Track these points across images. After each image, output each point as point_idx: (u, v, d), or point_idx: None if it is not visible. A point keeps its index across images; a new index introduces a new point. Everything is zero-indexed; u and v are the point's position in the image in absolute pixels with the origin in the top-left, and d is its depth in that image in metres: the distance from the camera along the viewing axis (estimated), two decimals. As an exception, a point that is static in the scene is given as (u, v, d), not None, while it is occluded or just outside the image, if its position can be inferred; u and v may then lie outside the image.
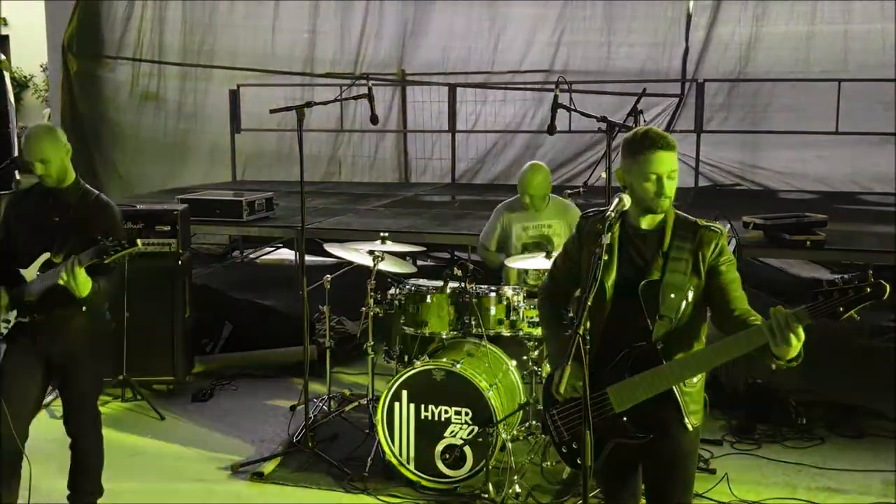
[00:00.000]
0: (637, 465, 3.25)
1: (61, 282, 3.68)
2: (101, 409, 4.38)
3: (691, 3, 9.34)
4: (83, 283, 3.71)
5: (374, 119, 5.00)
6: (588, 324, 2.92)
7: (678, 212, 3.12)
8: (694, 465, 3.22)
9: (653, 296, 3.00)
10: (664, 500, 3.17)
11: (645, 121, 5.20)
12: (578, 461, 3.11)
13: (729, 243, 3.54)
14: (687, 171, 8.71)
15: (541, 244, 5.23)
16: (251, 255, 10.46)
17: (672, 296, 2.99)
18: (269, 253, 10.44)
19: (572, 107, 4.76)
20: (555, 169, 7.86)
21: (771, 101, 9.31)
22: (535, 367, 5.05)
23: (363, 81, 5.01)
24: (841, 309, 2.62)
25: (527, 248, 5.40)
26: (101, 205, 4.05)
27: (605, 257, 2.97)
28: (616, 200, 3.02)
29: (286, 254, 10.22)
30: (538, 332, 4.94)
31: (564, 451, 3.21)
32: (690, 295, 3.01)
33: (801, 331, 2.68)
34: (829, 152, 9.19)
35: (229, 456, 5.12)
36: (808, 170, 9.32)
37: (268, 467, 4.98)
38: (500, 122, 10.22)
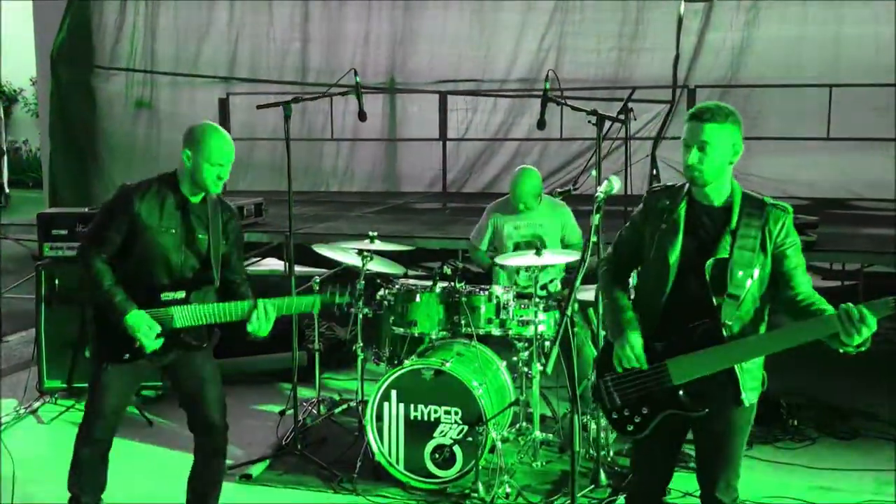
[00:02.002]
0: (681, 444, 3.35)
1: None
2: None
3: (682, 8, 9.34)
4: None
5: (362, 116, 4.98)
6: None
7: (745, 190, 3.14)
8: (744, 441, 3.26)
9: (720, 273, 3.04)
10: (710, 473, 3.24)
11: (635, 118, 5.20)
12: (629, 428, 3.21)
13: None
14: (679, 178, 8.69)
15: (532, 243, 5.21)
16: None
17: (740, 273, 3.01)
18: (257, 262, 10.38)
19: (563, 100, 4.74)
20: (545, 177, 7.82)
21: (762, 107, 9.31)
22: (525, 369, 5.01)
23: (350, 81, 4.96)
24: None
25: (518, 247, 5.37)
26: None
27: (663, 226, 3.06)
28: (605, 182, 3.05)
29: (275, 264, 10.18)
30: (528, 331, 4.92)
31: (615, 417, 3.26)
32: (756, 273, 3.03)
33: (874, 321, 2.73)
34: (820, 158, 9.19)
35: (217, 459, 5.06)
36: (800, 176, 9.29)
37: (256, 470, 4.94)
38: (489, 129, 10.23)
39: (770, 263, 3.06)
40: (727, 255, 3.03)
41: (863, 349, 2.81)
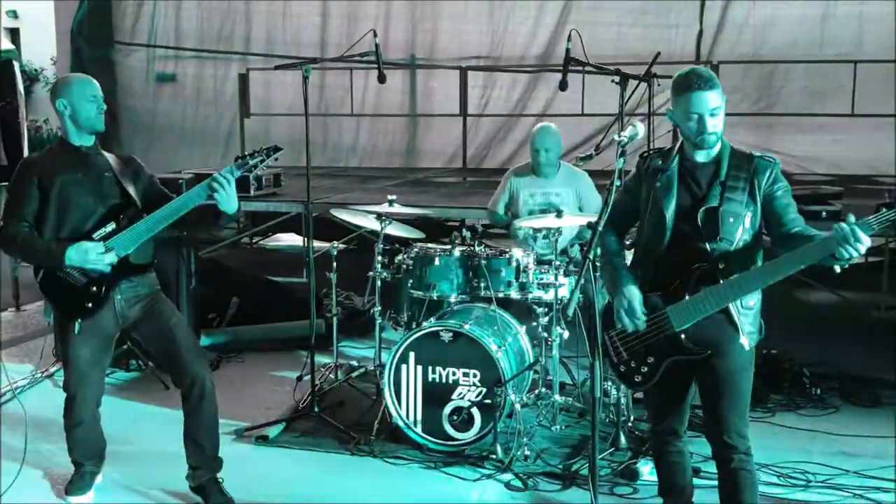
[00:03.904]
0: (689, 387, 3.42)
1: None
2: (107, 378, 4.34)
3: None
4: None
5: (381, 78, 4.94)
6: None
7: (733, 145, 3.28)
8: (749, 384, 3.33)
9: (711, 221, 3.17)
10: (719, 417, 3.30)
11: (658, 84, 5.12)
12: (637, 379, 3.36)
13: None
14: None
15: (547, 211, 5.15)
16: (259, 241, 10.45)
17: (731, 220, 3.16)
18: (274, 237, 10.40)
19: (585, 60, 4.67)
20: (565, 153, 7.76)
21: (786, 83, 9.19)
22: (545, 334, 4.96)
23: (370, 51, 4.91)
24: None
25: (533, 213, 5.31)
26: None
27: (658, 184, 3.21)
28: (630, 127, 3.07)
29: (291, 239, 10.20)
30: (549, 295, 4.87)
31: (622, 370, 3.40)
32: (748, 221, 3.18)
33: (866, 238, 2.84)
34: (844, 136, 9.05)
35: (234, 422, 5.02)
36: (823, 154, 9.17)
37: (272, 432, 4.92)
38: (508, 106, 10.14)
39: (760, 212, 3.20)
40: (717, 204, 3.17)
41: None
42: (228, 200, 3.71)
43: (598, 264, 3.20)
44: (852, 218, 2.85)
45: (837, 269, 2.97)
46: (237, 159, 3.82)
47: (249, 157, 3.81)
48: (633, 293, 3.28)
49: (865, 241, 2.84)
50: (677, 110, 3.21)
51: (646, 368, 3.34)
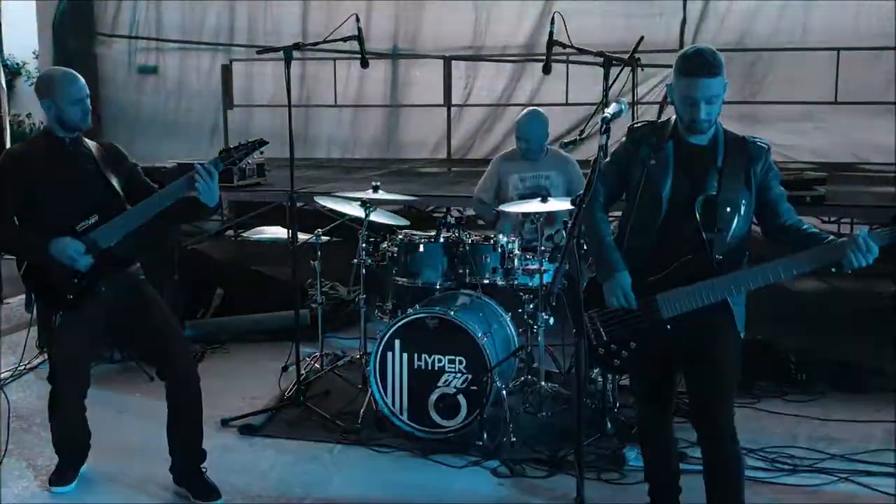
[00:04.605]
0: (676, 372, 3.41)
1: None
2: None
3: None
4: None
5: (364, 63, 4.90)
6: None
7: (726, 128, 3.24)
8: (736, 374, 3.32)
9: (709, 210, 3.13)
10: (706, 403, 3.28)
11: (642, 70, 5.12)
12: (615, 363, 3.33)
13: None
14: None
15: (537, 194, 5.13)
16: (243, 234, 10.38)
17: (728, 210, 3.12)
18: (259, 229, 10.34)
19: (569, 43, 4.65)
20: (550, 143, 7.74)
21: (769, 71, 9.19)
22: (530, 321, 4.94)
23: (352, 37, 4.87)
24: None
25: (523, 198, 5.29)
26: None
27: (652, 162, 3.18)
28: (614, 104, 3.06)
29: (277, 232, 10.14)
30: (533, 282, 4.85)
31: (602, 352, 3.36)
32: (743, 209, 3.15)
33: (876, 249, 2.88)
34: (827, 123, 9.07)
35: (219, 412, 4.98)
36: (807, 142, 9.18)
37: (258, 421, 4.88)
38: (492, 96, 10.10)
39: (754, 198, 3.18)
40: (716, 193, 3.13)
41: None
42: (210, 193, 3.69)
43: (582, 242, 3.18)
44: (864, 231, 2.86)
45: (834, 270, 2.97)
46: (221, 152, 3.79)
47: (234, 151, 3.79)
48: (625, 281, 3.23)
49: (875, 253, 2.87)
50: (676, 90, 3.14)
51: (626, 353, 3.31)
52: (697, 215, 3.14)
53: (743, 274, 3.10)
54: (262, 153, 3.81)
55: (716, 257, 3.11)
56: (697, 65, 3.06)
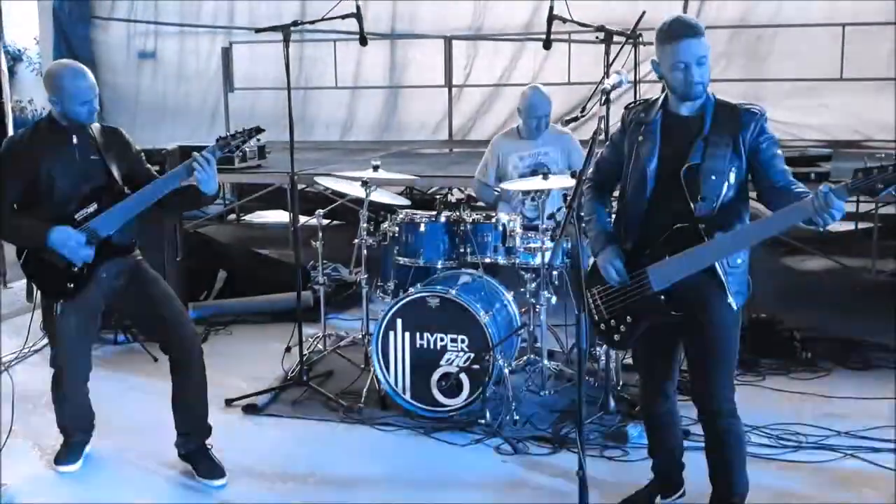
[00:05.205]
0: (677, 346, 3.38)
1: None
2: (94, 351, 4.31)
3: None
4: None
5: (363, 40, 4.86)
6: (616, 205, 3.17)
7: (718, 97, 3.16)
8: (736, 345, 3.27)
9: (694, 179, 3.08)
10: (705, 378, 3.25)
11: (643, 44, 5.06)
12: (615, 338, 3.33)
13: None
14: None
15: (536, 171, 5.11)
16: (245, 217, 10.41)
17: (713, 178, 3.06)
18: (261, 213, 10.35)
19: (569, 17, 4.61)
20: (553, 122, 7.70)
21: (773, 48, 9.11)
22: (532, 300, 4.92)
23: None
24: (879, 186, 2.69)
25: (524, 177, 5.26)
26: None
27: (640, 139, 3.13)
28: (614, 74, 3.01)
29: (278, 216, 10.15)
30: (536, 261, 4.83)
31: (602, 328, 3.37)
32: (732, 177, 3.08)
33: (841, 204, 2.74)
34: (832, 100, 8.99)
35: (223, 392, 4.99)
36: (811, 119, 9.11)
37: (261, 401, 4.88)
38: (492, 76, 10.04)
39: (745, 166, 3.10)
40: (700, 161, 3.08)
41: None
42: (209, 181, 3.70)
43: (582, 215, 3.16)
44: (826, 186, 2.76)
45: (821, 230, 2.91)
46: (219, 140, 3.79)
47: (231, 138, 3.78)
48: (614, 259, 3.23)
49: (839, 208, 2.75)
50: (663, 61, 3.10)
51: (624, 328, 3.31)
52: (683, 184, 3.10)
53: (723, 239, 3.05)
54: (259, 140, 3.80)
55: (701, 226, 3.06)
56: (681, 27, 3.04)
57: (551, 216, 4.92)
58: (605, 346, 4.73)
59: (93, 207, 3.77)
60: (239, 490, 3.96)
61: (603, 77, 4.64)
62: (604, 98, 2.97)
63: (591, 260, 3.40)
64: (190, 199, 3.88)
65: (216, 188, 3.76)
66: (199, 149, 3.78)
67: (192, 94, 10.93)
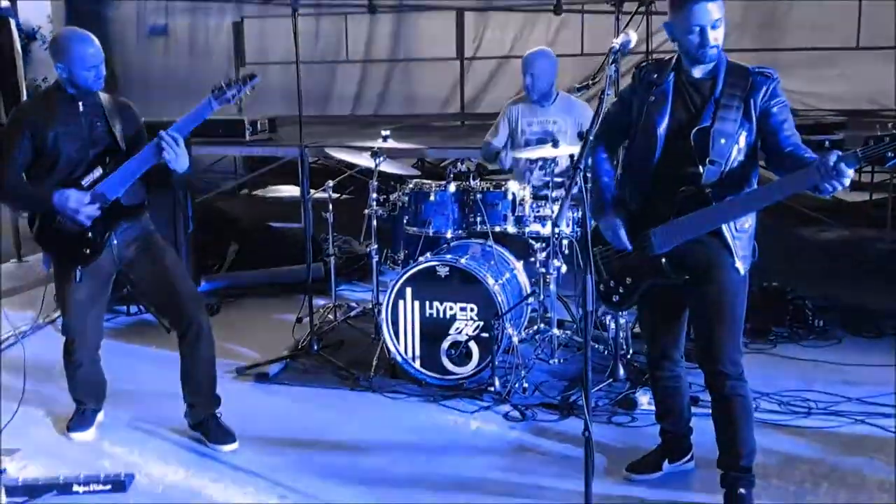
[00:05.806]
0: (682, 311, 3.38)
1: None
2: (107, 322, 4.34)
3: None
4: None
5: (372, 8, 4.85)
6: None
7: (731, 60, 3.14)
8: (742, 310, 3.24)
9: (703, 141, 3.06)
10: (711, 343, 3.22)
11: (655, 12, 5.01)
12: (614, 298, 3.36)
13: None
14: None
15: (544, 140, 5.07)
16: (255, 192, 10.43)
17: (722, 141, 3.04)
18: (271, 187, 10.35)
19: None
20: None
21: (790, 18, 9.00)
22: (542, 269, 4.91)
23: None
24: (890, 154, 2.68)
25: (529, 144, 5.23)
26: None
27: (652, 98, 3.12)
28: (622, 35, 2.99)
29: (290, 190, 10.15)
30: (546, 230, 4.82)
31: (602, 288, 3.41)
32: (742, 140, 3.06)
33: (849, 171, 2.72)
34: (849, 70, 8.90)
35: (234, 362, 5.04)
36: (828, 89, 9.02)
37: (273, 370, 4.92)
38: (503, 48, 9.98)
39: (756, 129, 3.07)
40: (710, 124, 3.05)
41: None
42: (178, 159, 3.67)
43: (588, 175, 3.13)
44: (836, 153, 2.72)
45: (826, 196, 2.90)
46: (214, 90, 3.77)
47: (227, 88, 3.76)
48: (616, 223, 3.23)
49: (847, 175, 2.71)
50: (677, 24, 3.05)
51: (623, 289, 3.32)
52: (692, 147, 3.08)
53: (727, 202, 3.04)
54: (253, 88, 3.78)
55: (707, 189, 3.05)
56: None
57: (561, 184, 4.89)
58: (612, 314, 4.74)
59: (98, 172, 3.79)
60: (250, 456, 3.99)
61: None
62: (612, 59, 2.94)
63: None
64: (162, 177, 3.82)
65: (187, 166, 3.73)
66: (204, 121, 3.77)
67: (204, 70, 10.93)
